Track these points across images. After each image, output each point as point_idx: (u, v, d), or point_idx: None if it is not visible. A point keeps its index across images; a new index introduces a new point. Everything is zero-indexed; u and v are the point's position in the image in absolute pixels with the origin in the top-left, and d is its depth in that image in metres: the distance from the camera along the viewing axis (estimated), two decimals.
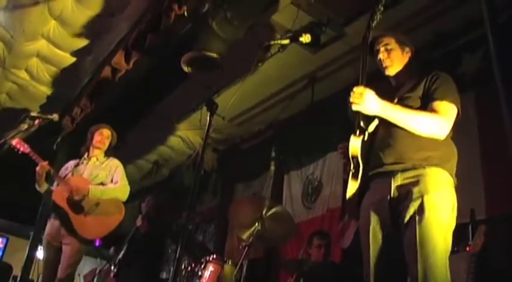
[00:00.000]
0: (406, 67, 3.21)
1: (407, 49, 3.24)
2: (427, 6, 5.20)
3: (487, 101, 4.82)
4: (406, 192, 2.78)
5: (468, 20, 5.15)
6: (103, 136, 5.52)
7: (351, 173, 3.00)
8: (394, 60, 3.18)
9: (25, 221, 9.82)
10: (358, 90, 2.86)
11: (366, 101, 2.83)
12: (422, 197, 2.71)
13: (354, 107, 2.87)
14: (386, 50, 3.19)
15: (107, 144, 5.53)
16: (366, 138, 2.99)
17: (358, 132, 2.96)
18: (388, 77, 3.24)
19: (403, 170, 2.84)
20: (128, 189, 5.39)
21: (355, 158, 2.95)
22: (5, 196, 10.05)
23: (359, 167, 2.95)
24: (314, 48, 5.89)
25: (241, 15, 5.18)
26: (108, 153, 5.59)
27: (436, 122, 2.86)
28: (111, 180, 5.37)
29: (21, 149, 5.24)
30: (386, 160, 2.90)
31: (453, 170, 2.92)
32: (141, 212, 6.94)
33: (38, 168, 5.16)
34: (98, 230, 5.24)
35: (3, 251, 12.26)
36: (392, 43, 3.20)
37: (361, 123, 2.99)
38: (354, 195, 2.97)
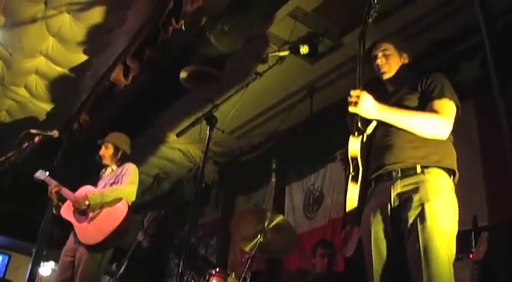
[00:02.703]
0: (403, 72, 3.23)
1: (404, 55, 3.27)
2: (424, 15, 5.21)
3: (487, 108, 4.82)
4: (406, 200, 2.76)
5: (465, 27, 5.17)
6: (101, 150, 5.56)
7: (350, 176, 2.96)
8: (391, 65, 3.21)
9: (27, 237, 9.80)
10: (355, 93, 2.85)
11: (363, 103, 2.82)
12: (422, 204, 2.69)
13: (351, 109, 2.86)
14: (384, 55, 3.22)
15: (107, 155, 5.53)
16: (364, 139, 2.97)
17: (356, 133, 2.95)
18: (385, 82, 3.26)
19: (403, 176, 2.83)
20: (131, 187, 5.28)
21: (354, 159, 2.93)
22: (7, 213, 10.05)
23: (358, 169, 2.93)
24: (312, 58, 5.91)
25: (239, 27, 5.20)
26: (123, 161, 5.57)
27: (437, 122, 2.86)
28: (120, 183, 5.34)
29: (42, 178, 5.30)
30: (386, 161, 2.90)
31: (454, 164, 2.91)
32: (143, 226, 6.92)
33: (49, 194, 5.19)
34: (99, 233, 5.05)
35: (6, 268, 12.23)
36: (390, 49, 3.24)
37: (359, 125, 2.97)
38: (355, 199, 2.92)
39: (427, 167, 2.82)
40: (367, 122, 3.00)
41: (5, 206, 9.84)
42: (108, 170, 5.57)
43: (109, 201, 5.15)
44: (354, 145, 2.93)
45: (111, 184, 5.34)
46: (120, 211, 5.19)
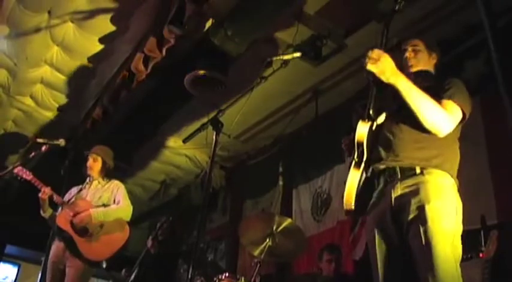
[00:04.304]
0: (429, 72, 3.19)
1: (434, 55, 3.22)
2: (426, 15, 5.21)
3: (493, 105, 4.81)
4: (406, 203, 2.74)
5: (468, 25, 5.17)
6: (89, 161, 5.63)
7: (353, 162, 2.91)
8: (420, 60, 3.16)
9: (36, 246, 9.81)
10: (376, 51, 2.79)
11: (382, 63, 2.75)
12: (423, 206, 2.67)
13: (369, 66, 2.77)
14: (414, 50, 3.17)
15: (96, 168, 5.60)
16: (374, 128, 2.92)
17: (366, 118, 2.89)
18: (410, 76, 3.14)
19: (403, 177, 2.80)
20: (130, 208, 5.43)
21: (360, 145, 2.87)
22: (14, 223, 10.06)
23: (363, 156, 2.87)
24: (316, 61, 5.90)
25: (242, 32, 5.21)
26: (110, 175, 5.65)
27: (442, 115, 2.79)
28: (114, 201, 5.42)
29: (24, 176, 5.29)
30: (386, 156, 2.88)
31: (454, 171, 2.88)
32: (154, 233, 6.93)
33: (40, 194, 5.21)
34: (103, 252, 5.28)
35: (16, 278, 12.24)
36: (420, 45, 3.19)
37: (371, 112, 2.91)
38: (354, 185, 2.86)
39: (426, 168, 2.80)
40: (379, 110, 2.95)
41: (13, 216, 9.86)
42: (95, 182, 5.63)
43: (110, 221, 5.26)
44: (362, 130, 2.87)
45: (100, 197, 5.45)
46: (123, 231, 5.42)
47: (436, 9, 5.16)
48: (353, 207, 2.84)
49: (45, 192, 5.21)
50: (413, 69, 3.15)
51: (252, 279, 4.80)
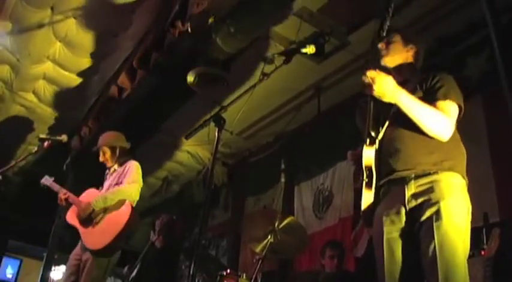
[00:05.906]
0: (408, 64, 3.15)
1: (411, 45, 3.16)
2: (428, 12, 5.20)
3: (495, 103, 4.80)
4: (421, 200, 2.73)
5: (469, 23, 5.16)
6: (100, 157, 5.52)
7: (364, 183, 2.92)
8: (391, 51, 3.10)
9: (38, 242, 9.84)
10: (371, 74, 2.76)
11: (379, 85, 2.73)
12: (438, 203, 2.66)
13: (367, 92, 2.78)
14: (387, 41, 3.09)
15: (108, 158, 5.48)
16: (377, 146, 2.91)
17: (368, 141, 2.89)
18: (388, 70, 3.08)
19: (416, 177, 2.79)
20: (133, 186, 5.21)
21: (369, 168, 2.88)
22: (17, 218, 10.09)
23: (372, 175, 2.88)
24: (318, 58, 5.90)
25: (245, 29, 5.20)
26: (127, 155, 5.55)
27: (445, 122, 2.79)
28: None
29: (47, 184, 5.27)
30: (397, 166, 2.84)
31: (464, 171, 2.87)
32: (154, 228, 6.91)
33: (59, 202, 5.17)
34: (104, 235, 4.98)
35: (17, 273, 12.28)
36: (395, 36, 3.13)
37: (372, 133, 2.91)
38: (370, 205, 2.89)
39: (439, 170, 2.79)
40: (378, 127, 2.94)
41: (16, 211, 9.89)
42: (112, 170, 5.52)
43: (113, 204, 5.15)
44: (369, 154, 2.88)
45: (115, 184, 5.29)
46: (123, 213, 5.12)
47: (437, 7, 5.15)
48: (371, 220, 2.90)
49: (61, 198, 5.16)
50: (386, 62, 3.09)
51: (254, 276, 4.80)
